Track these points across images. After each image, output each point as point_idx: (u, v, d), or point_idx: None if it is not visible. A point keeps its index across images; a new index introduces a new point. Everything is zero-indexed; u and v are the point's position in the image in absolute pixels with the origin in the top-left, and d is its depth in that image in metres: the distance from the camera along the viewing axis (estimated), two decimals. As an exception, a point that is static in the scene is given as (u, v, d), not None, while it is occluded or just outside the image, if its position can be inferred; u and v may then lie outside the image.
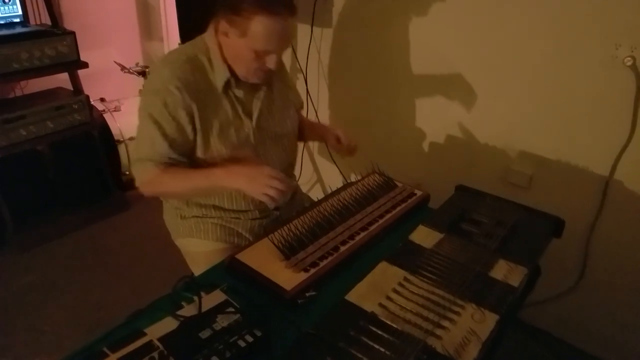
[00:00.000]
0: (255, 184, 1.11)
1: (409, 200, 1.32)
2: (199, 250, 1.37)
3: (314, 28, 2.18)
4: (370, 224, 1.19)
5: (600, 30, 1.47)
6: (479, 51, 1.75)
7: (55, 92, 2.57)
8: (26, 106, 2.29)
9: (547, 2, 1.54)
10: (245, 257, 1.06)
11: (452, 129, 1.93)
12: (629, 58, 1.42)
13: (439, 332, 0.84)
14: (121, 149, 2.75)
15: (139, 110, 1.22)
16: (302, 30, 2.24)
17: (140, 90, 2.82)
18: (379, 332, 0.83)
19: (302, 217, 1.18)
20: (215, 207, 1.35)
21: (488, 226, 1.16)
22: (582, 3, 1.48)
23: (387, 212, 1.25)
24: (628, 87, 1.46)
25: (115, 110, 2.77)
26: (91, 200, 2.67)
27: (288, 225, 1.14)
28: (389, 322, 0.86)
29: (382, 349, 0.80)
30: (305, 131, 1.54)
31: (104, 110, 2.75)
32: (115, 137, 2.71)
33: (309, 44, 2.22)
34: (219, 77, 1.21)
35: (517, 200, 1.30)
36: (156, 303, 0.98)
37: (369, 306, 0.90)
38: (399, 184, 1.39)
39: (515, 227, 1.17)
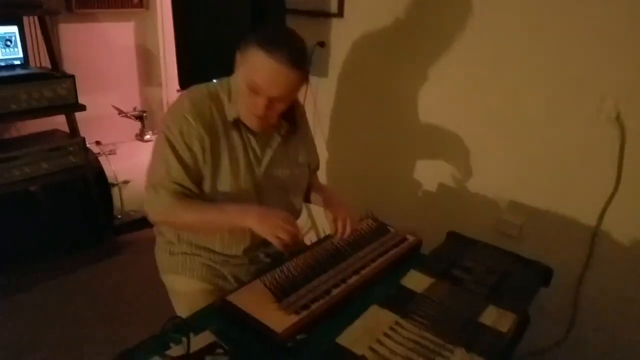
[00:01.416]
0: (268, 224, 1.12)
1: (401, 245, 1.33)
2: (183, 289, 1.37)
3: (310, 77, 2.27)
4: (362, 267, 1.20)
5: (587, 84, 1.54)
6: (472, 104, 1.82)
7: (51, 133, 2.60)
8: (21, 147, 2.31)
9: (537, 59, 1.63)
10: (236, 298, 1.06)
11: (444, 177, 1.97)
12: (613, 111, 1.49)
13: (429, 376, 0.84)
14: (114, 192, 2.76)
15: (157, 137, 1.27)
16: None
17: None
18: (369, 376, 0.83)
19: (294, 260, 1.20)
20: (205, 248, 1.36)
21: (478, 273, 1.18)
22: (569, 58, 1.56)
23: (380, 256, 1.26)
24: (612, 139, 1.52)
25: (110, 154, 2.80)
26: (83, 243, 2.64)
27: (280, 268, 1.15)
28: (379, 366, 0.86)
29: (372, 393, 0.80)
30: (313, 195, 1.53)
31: (99, 154, 2.77)
32: (110, 181, 2.73)
33: (305, 93, 2.30)
34: (232, 111, 1.24)
35: (508, 248, 1.32)
36: (144, 344, 0.97)
37: (360, 349, 0.89)
38: (392, 229, 1.41)
39: (505, 275, 1.18)
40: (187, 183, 1.22)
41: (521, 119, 1.71)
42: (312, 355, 0.89)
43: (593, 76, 1.52)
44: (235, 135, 1.26)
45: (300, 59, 1.14)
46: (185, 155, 1.21)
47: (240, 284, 1.21)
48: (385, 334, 0.94)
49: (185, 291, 1.36)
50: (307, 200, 1.53)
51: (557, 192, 1.69)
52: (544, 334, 1.78)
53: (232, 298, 1.06)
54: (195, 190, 1.24)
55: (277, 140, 1.32)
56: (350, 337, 0.93)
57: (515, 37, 1.65)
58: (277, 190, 1.35)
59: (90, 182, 2.61)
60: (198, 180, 1.24)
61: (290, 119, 1.34)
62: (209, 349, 0.90)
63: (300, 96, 2.30)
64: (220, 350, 0.90)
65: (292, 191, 1.40)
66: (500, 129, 1.77)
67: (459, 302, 1.05)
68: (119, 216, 2.81)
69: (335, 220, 1.30)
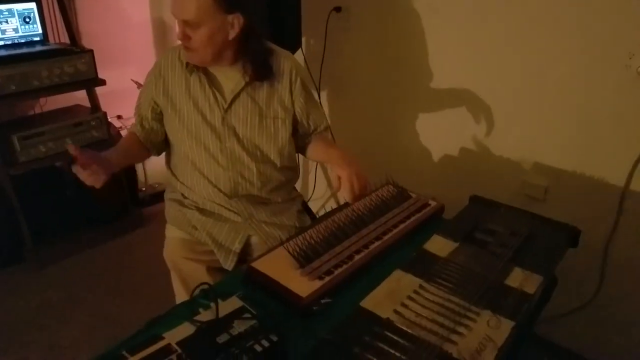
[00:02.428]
0: None
1: (423, 211, 1.32)
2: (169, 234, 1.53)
3: (327, 44, 2.23)
4: (384, 233, 1.20)
5: (614, 41, 1.48)
6: (494, 64, 1.77)
7: (74, 109, 2.64)
8: (45, 123, 2.35)
9: (561, 17, 1.57)
10: (260, 265, 1.07)
11: (467, 141, 1.94)
12: (642, 67, 1.43)
13: (454, 337, 0.84)
14: (138, 166, 2.81)
15: None
16: (315, 45, 2.30)
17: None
18: (395, 337, 0.84)
19: (316, 227, 1.20)
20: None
21: (503, 236, 1.16)
22: (596, 15, 1.50)
23: (401, 222, 1.26)
24: (641, 96, 1.47)
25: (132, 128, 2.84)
26: (108, 217, 2.71)
27: (303, 235, 1.16)
28: (404, 328, 0.86)
29: (397, 354, 0.80)
30: (319, 154, 1.52)
31: (121, 128, 2.82)
32: None
33: (322, 59, 2.26)
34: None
35: (533, 211, 1.30)
36: (174, 310, 1.00)
37: (384, 313, 0.90)
38: (413, 195, 1.40)
39: (531, 237, 1.17)
40: (144, 111, 1.44)
41: (545, 78, 1.65)
42: (336, 319, 0.90)
43: (621, 32, 1.46)
44: (193, 78, 1.35)
45: None
46: (150, 87, 1.40)
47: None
48: (410, 297, 0.94)
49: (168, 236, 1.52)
50: (313, 157, 1.56)
51: (583, 152, 1.64)
52: (571, 296, 1.77)
53: (256, 264, 1.08)
54: (148, 123, 1.45)
55: (240, 84, 1.36)
56: (374, 301, 0.94)
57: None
58: (242, 137, 1.39)
59: None
60: (155, 115, 1.43)
61: (259, 66, 1.35)
62: (237, 313, 0.92)
63: (318, 61, 2.27)
64: (247, 315, 0.91)
65: (262, 141, 1.40)
66: (524, 89, 1.72)
67: (484, 265, 1.04)
68: (143, 189, 2.86)
69: (339, 179, 1.27)
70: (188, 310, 0.94)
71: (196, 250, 1.43)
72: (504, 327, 0.87)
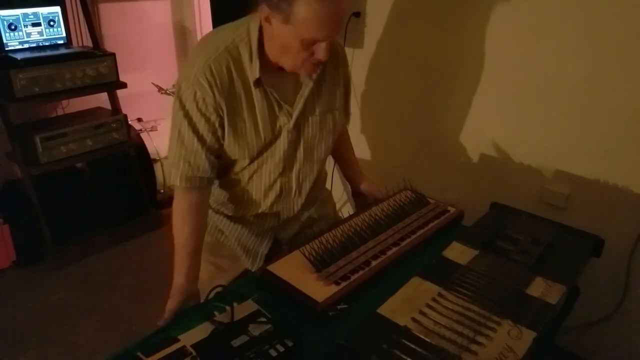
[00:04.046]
0: None
1: (442, 217, 1.30)
2: None
3: (345, 49, 2.22)
4: (402, 239, 1.18)
5: (638, 41, 1.44)
6: (513, 68, 1.74)
7: (95, 111, 2.68)
8: (67, 125, 2.39)
9: (585, 19, 1.54)
10: (276, 268, 1.06)
11: (487, 147, 1.91)
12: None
13: (474, 347, 0.82)
14: (157, 168, 2.83)
15: (174, 100, 1.13)
16: None
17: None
18: (413, 346, 0.82)
19: (333, 231, 1.18)
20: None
21: (524, 243, 1.13)
22: (621, 19, 1.46)
23: (420, 228, 1.23)
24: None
25: (152, 130, 2.87)
26: (127, 218, 2.74)
27: (319, 239, 1.14)
28: (422, 337, 0.84)
29: (414, 362, 0.78)
30: (342, 159, 1.49)
31: (141, 130, 2.85)
32: (152, 156, 2.81)
33: None
34: (255, 71, 1.08)
35: (554, 219, 1.26)
36: (189, 311, 0.99)
37: (402, 320, 0.88)
38: (432, 201, 1.38)
39: (552, 245, 1.13)
40: (203, 156, 1.10)
41: (567, 82, 1.62)
42: (353, 325, 0.88)
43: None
44: (257, 93, 1.10)
45: None
46: (200, 123, 1.08)
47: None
48: (428, 305, 0.92)
49: None
50: (336, 157, 1.50)
51: (606, 159, 1.60)
52: (594, 306, 1.72)
53: (272, 268, 1.06)
54: (207, 172, 1.12)
55: (309, 86, 1.15)
56: (392, 308, 0.92)
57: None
58: (302, 141, 1.21)
59: (132, 158, 2.69)
60: (214, 153, 1.12)
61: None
62: (252, 317, 0.91)
63: None
64: (263, 319, 0.90)
65: (317, 139, 1.24)
66: (545, 93, 1.69)
67: (505, 274, 1.02)
68: (162, 190, 2.89)
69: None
70: (203, 313, 0.94)
71: (217, 253, 1.36)
72: (525, 338, 0.84)
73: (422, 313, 0.90)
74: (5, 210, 2.40)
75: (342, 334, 0.87)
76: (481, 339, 0.84)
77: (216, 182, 1.25)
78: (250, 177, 1.20)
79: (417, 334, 0.85)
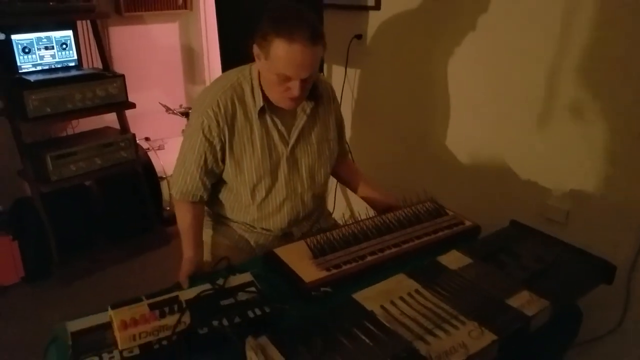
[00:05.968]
0: None
1: (454, 228, 1.39)
2: (208, 240, 1.60)
3: (347, 69, 2.40)
4: (404, 242, 1.30)
5: (634, 60, 1.49)
6: (513, 84, 1.82)
7: (104, 131, 2.88)
8: (77, 143, 2.57)
9: (580, 39, 1.60)
10: (280, 251, 1.26)
11: (486, 162, 1.98)
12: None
13: (429, 338, 0.92)
14: (164, 185, 3.05)
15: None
16: (337, 71, 2.47)
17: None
18: (372, 328, 0.94)
19: (342, 228, 1.35)
20: (243, 223, 1.57)
21: (525, 260, 1.19)
22: (615, 33, 1.52)
23: (426, 235, 1.34)
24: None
25: (159, 149, 3.14)
26: (133, 235, 2.90)
27: (326, 233, 1.31)
28: (383, 322, 0.96)
29: (369, 343, 0.91)
30: (359, 186, 1.69)
31: (148, 149, 3.10)
32: (159, 174, 3.04)
33: (343, 85, 2.43)
34: (256, 103, 1.38)
35: (562, 238, 1.32)
36: (196, 277, 1.24)
37: (371, 306, 1.01)
38: (450, 213, 1.48)
39: (555, 265, 1.18)
40: (194, 182, 1.43)
41: (565, 99, 1.67)
42: (329, 306, 1.05)
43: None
44: (260, 122, 1.39)
45: (318, 32, 1.22)
46: (203, 147, 1.37)
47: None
48: (401, 298, 1.03)
49: (206, 242, 1.58)
50: (350, 186, 1.71)
51: (607, 175, 1.63)
52: (594, 324, 1.71)
53: (277, 250, 1.26)
54: (200, 191, 1.45)
55: (302, 119, 1.45)
56: (367, 295, 1.05)
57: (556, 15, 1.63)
58: (303, 167, 1.49)
59: (140, 176, 2.87)
60: (210, 175, 1.44)
61: (313, 95, 1.43)
62: (245, 285, 1.11)
63: (338, 88, 2.44)
64: (252, 289, 1.10)
65: (316, 166, 1.52)
66: (543, 111, 1.75)
67: (492, 284, 1.09)
68: (168, 208, 3.12)
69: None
70: (207, 278, 1.15)
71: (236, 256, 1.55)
72: (484, 339, 0.92)
73: (392, 303, 1.02)
74: (15, 226, 2.53)
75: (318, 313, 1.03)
76: (439, 332, 0.93)
77: (238, 204, 1.53)
78: (262, 200, 1.48)
79: (380, 319, 0.97)
